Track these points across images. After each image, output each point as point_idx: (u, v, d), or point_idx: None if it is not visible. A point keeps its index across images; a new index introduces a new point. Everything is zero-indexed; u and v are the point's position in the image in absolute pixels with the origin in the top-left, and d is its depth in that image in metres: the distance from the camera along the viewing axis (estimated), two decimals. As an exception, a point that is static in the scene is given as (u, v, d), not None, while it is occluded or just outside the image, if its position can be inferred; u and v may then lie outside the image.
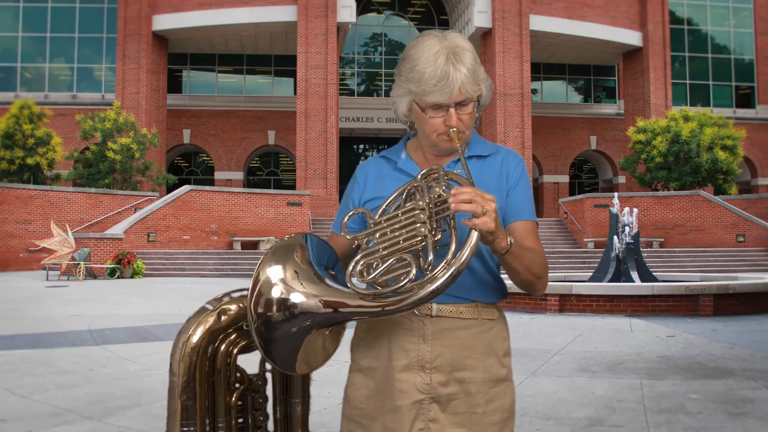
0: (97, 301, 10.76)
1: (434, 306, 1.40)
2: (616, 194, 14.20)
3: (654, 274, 10.99)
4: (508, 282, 1.52)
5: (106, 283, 15.22)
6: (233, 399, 1.37)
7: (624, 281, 10.35)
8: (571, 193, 31.88)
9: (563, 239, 23.42)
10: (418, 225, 1.25)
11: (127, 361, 5.55)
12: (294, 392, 1.44)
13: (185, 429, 1.30)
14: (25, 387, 4.56)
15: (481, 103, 1.45)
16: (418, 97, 1.39)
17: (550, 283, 10.88)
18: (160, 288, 13.41)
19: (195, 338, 1.30)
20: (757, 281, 9.73)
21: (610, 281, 10.40)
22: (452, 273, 1.19)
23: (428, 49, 1.37)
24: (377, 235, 1.29)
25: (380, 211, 1.34)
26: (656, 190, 25.43)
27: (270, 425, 1.44)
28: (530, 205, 1.47)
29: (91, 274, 16.82)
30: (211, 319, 1.32)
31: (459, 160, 1.42)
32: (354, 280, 1.26)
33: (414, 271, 1.22)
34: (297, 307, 1.20)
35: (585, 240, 22.15)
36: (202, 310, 1.34)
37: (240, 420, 1.39)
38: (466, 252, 1.19)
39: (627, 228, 10.78)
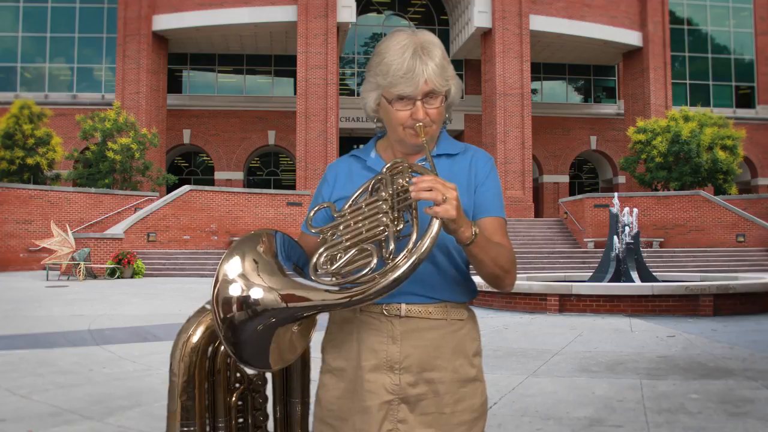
0: (97, 301, 10.76)
1: (403, 306, 1.39)
2: (616, 194, 14.18)
3: (654, 274, 10.99)
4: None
5: (106, 283, 15.22)
6: (233, 399, 1.37)
7: (624, 281, 10.35)
8: (571, 193, 31.86)
9: (563, 239, 23.41)
10: (380, 215, 1.25)
11: (127, 361, 5.55)
12: (294, 392, 1.44)
13: (185, 429, 1.30)
14: (25, 387, 4.56)
15: (449, 102, 1.44)
16: (385, 90, 1.39)
17: (550, 283, 10.78)
18: (160, 288, 13.40)
19: (195, 338, 1.30)
20: (757, 281, 9.73)
21: (610, 281, 10.40)
22: (414, 261, 1.18)
23: (396, 43, 1.37)
24: (341, 227, 1.29)
25: (346, 205, 1.34)
26: (656, 190, 25.43)
27: (270, 425, 1.44)
28: (499, 202, 1.45)
29: (91, 274, 16.81)
30: (210, 319, 1.32)
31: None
32: (318, 272, 1.25)
33: (375, 261, 1.22)
34: (259, 304, 1.17)
35: (585, 240, 22.14)
36: (202, 310, 1.34)
37: (240, 420, 1.39)
38: (428, 240, 1.19)
39: (627, 228, 10.78)
